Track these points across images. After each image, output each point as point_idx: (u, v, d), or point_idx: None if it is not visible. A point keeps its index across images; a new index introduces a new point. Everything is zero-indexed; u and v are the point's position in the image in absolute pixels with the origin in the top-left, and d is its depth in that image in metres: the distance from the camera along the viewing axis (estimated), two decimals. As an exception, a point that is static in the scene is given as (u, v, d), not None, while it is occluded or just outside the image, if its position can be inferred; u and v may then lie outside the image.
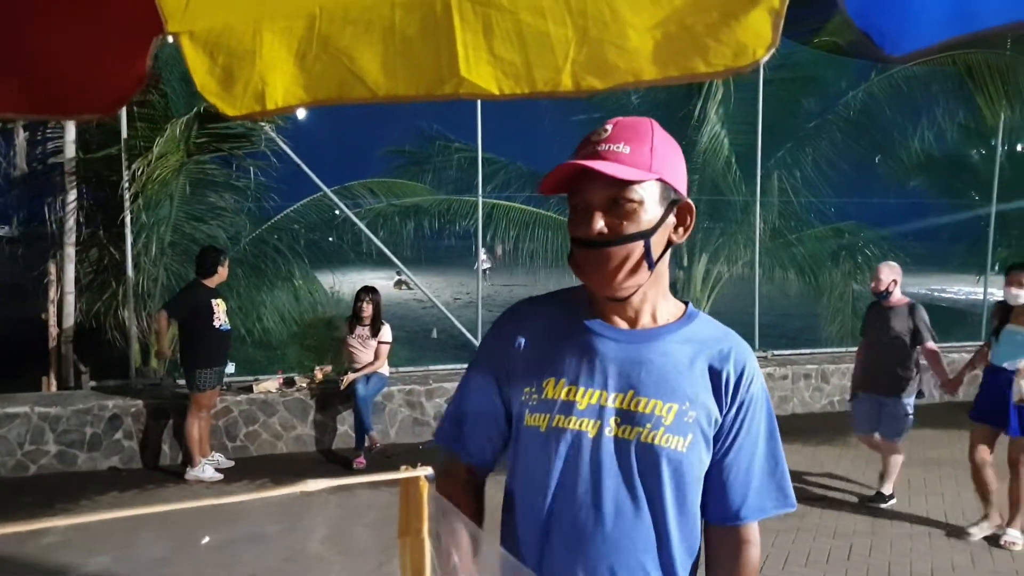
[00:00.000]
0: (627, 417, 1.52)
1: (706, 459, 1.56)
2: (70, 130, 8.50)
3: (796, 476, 1.59)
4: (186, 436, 7.18)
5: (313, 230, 11.09)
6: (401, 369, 9.06)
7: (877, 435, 6.52)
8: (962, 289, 17.56)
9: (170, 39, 2.10)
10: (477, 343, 8.95)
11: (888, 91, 11.67)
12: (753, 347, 1.68)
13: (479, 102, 8.14)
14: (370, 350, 7.83)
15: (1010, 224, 13.47)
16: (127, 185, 8.22)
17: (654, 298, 1.60)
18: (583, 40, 1.83)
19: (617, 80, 1.85)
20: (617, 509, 1.52)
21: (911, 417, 6.35)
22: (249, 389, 7.98)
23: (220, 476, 7.13)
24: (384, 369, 7.90)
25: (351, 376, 7.71)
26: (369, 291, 7.89)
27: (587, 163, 1.46)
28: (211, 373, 7.09)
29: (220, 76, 2.10)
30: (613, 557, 1.52)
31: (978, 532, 5.70)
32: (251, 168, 9.96)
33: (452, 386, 8.09)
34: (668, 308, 1.63)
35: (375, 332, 7.81)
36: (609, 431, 1.52)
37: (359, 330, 7.83)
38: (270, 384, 8.09)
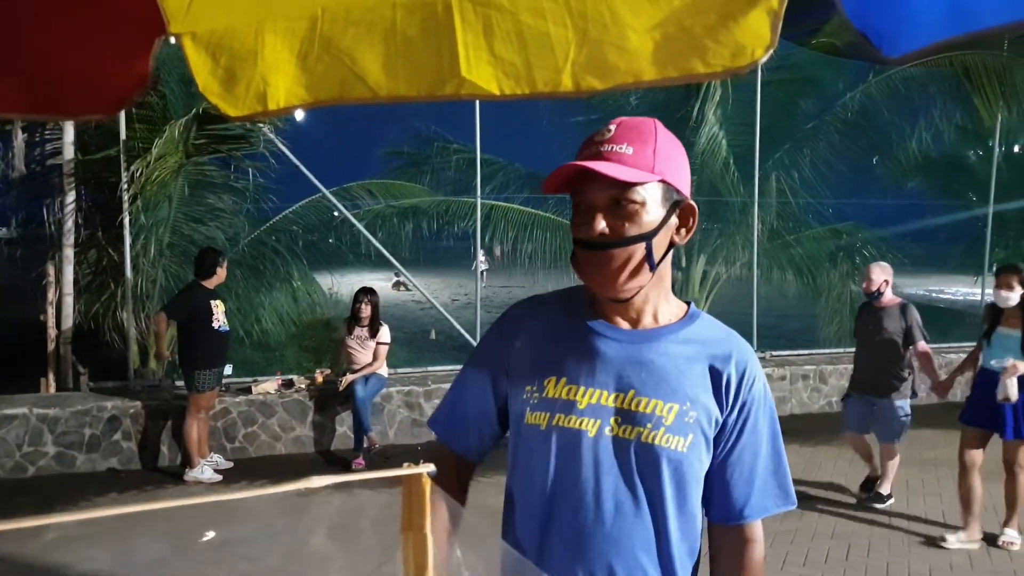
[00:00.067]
0: (627, 417, 1.53)
1: (706, 459, 1.56)
2: (69, 131, 8.50)
3: (794, 477, 1.62)
4: (185, 437, 7.18)
5: (311, 231, 11.10)
6: (400, 370, 9.07)
7: (868, 436, 6.53)
8: (960, 290, 17.57)
9: (172, 40, 2.10)
10: (476, 344, 8.97)
11: (886, 92, 11.69)
12: (751, 348, 1.69)
13: (477, 103, 8.15)
14: (369, 351, 7.83)
15: (1007, 225, 13.50)
16: (126, 186, 8.23)
17: (656, 299, 1.60)
18: (583, 41, 1.84)
19: (617, 81, 1.85)
20: (617, 508, 1.52)
21: (907, 418, 6.34)
22: (248, 390, 7.99)
23: (219, 477, 7.14)
24: (383, 370, 7.90)
25: (350, 377, 7.72)
26: (367, 292, 7.90)
27: (589, 164, 1.46)
28: (210, 374, 7.10)
29: (222, 77, 2.10)
30: (612, 555, 1.53)
31: (955, 542, 5.60)
32: (250, 169, 9.97)
33: (451, 387, 8.09)
34: (670, 309, 1.63)
35: (373, 333, 7.82)
36: (609, 430, 1.53)
37: (358, 331, 7.84)
38: (269, 385, 8.09)
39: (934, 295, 19.46)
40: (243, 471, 7.34)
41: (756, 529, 1.63)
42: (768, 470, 1.61)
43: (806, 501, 6.44)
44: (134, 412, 7.52)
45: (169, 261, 9.25)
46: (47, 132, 9.00)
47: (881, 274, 6.35)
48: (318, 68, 2.04)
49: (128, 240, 8.37)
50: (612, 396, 1.54)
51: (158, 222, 9.06)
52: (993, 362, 5.55)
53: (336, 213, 10.57)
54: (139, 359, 8.90)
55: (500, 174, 12.31)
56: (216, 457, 7.46)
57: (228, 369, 7.51)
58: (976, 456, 5.65)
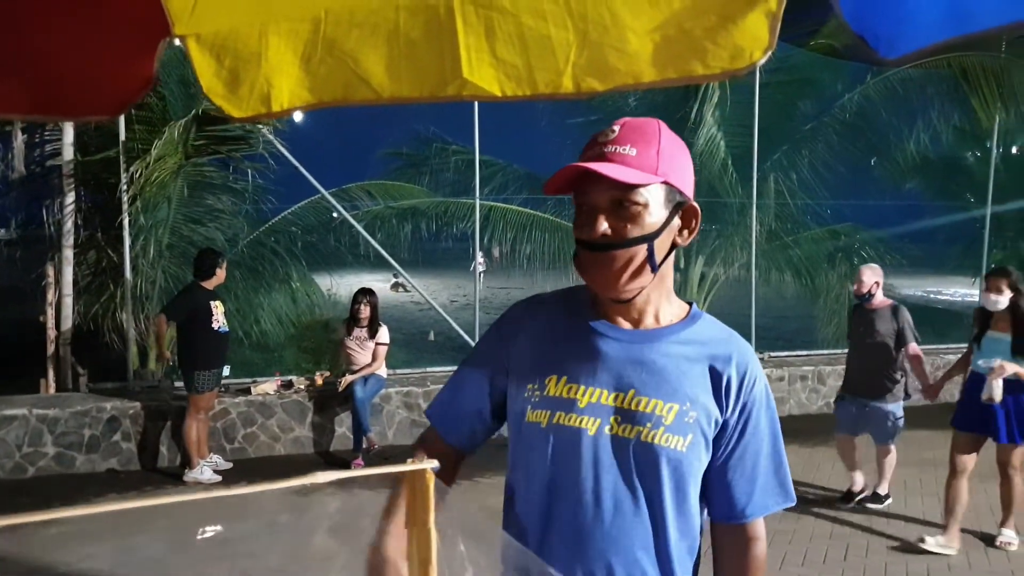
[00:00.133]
0: (627, 416, 1.54)
1: (705, 459, 1.58)
2: (68, 133, 8.51)
3: (793, 477, 1.63)
4: (184, 438, 7.19)
5: (310, 232, 11.10)
6: (399, 371, 9.08)
7: (859, 442, 6.51)
8: (958, 291, 17.57)
9: (176, 42, 2.12)
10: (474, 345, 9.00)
11: (884, 94, 11.70)
12: (752, 349, 1.71)
13: (476, 104, 8.16)
14: (368, 352, 7.84)
15: (1005, 226, 13.50)
16: (125, 187, 8.24)
17: (657, 299, 1.61)
18: (583, 43, 1.85)
19: (617, 82, 1.87)
20: (616, 506, 1.54)
21: (900, 420, 6.33)
22: (247, 391, 7.99)
23: (218, 478, 7.14)
24: (382, 371, 7.91)
25: (349, 378, 7.73)
26: (366, 293, 7.91)
27: (591, 166, 1.47)
28: (209, 375, 7.11)
29: (226, 78, 2.12)
30: (611, 554, 1.54)
31: (933, 544, 5.54)
32: (249, 170, 9.98)
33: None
34: (672, 309, 1.64)
35: (372, 334, 7.83)
36: (609, 429, 1.54)
37: (357, 332, 7.85)
38: (268, 386, 8.10)
39: (932, 296, 19.46)
40: (242, 472, 7.35)
41: (758, 527, 1.64)
42: (769, 470, 1.62)
43: (804, 502, 6.46)
44: (133, 413, 7.52)
45: (168, 262, 9.26)
46: (47, 133, 9.01)
47: (872, 276, 6.33)
48: (321, 70, 2.06)
49: (127, 241, 8.38)
50: (612, 395, 1.55)
51: (157, 223, 9.07)
52: (980, 362, 5.53)
53: (335, 214, 10.58)
54: (138, 360, 8.91)
55: (499, 175, 12.31)
56: (215, 458, 7.47)
57: (226, 370, 7.51)
58: (968, 461, 5.60)
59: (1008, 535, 5.69)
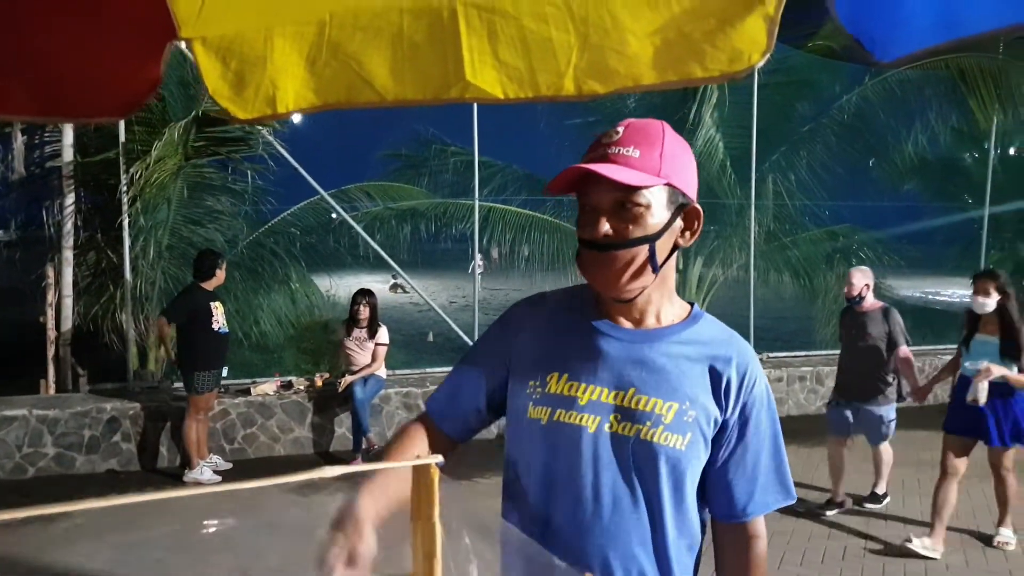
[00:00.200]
0: (627, 414, 1.56)
1: (704, 457, 1.59)
2: (68, 134, 8.53)
3: (792, 477, 1.66)
4: (184, 438, 7.21)
5: (310, 233, 11.11)
6: (398, 372, 9.09)
7: (849, 446, 6.50)
8: (956, 292, 17.58)
9: (183, 44, 2.14)
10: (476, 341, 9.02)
11: (882, 95, 11.73)
12: (752, 350, 1.73)
13: (475, 105, 8.18)
14: (367, 352, 7.86)
15: (1003, 227, 13.52)
16: (125, 189, 8.25)
17: (659, 299, 1.63)
18: (585, 46, 1.87)
19: (617, 84, 1.89)
20: (614, 503, 1.55)
21: (893, 423, 6.31)
22: (247, 392, 8.01)
23: (218, 479, 7.15)
24: (381, 371, 7.93)
25: (349, 379, 7.74)
26: (365, 294, 7.92)
27: (594, 167, 1.48)
28: (209, 376, 7.12)
29: (232, 80, 2.14)
30: (609, 549, 1.56)
31: (918, 545, 5.52)
32: (248, 172, 9.99)
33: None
34: (673, 310, 1.66)
35: (372, 334, 7.84)
36: (609, 427, 1.56)
37: (356, 332, 7.86)
38: (268, 387, 8.11)
39: (930, 297, 19.48)
40: (242, 472, 7.36)
41: (759, 525, 1.66)
42: (770, 469, 1.64)
43: (803, 502, 6.47)
44: (133, 413, 7.53)
45: (168, 263, 9.27)
46: (46, 134, 9.03)
47: (862, 279, 6.32)
48: (326, 72, 2.08)
49: (127, 242, 8.39)
50: (612, 394, 1.57)
51: (157, 224, 9.08)
52: (968, 364, 5.53)
53: (334, 215, 10.59)
54: (138, 361, 8.92)
55: (498, 176, 12.33)
56: (215, 458, 7.48)
57: (224, 371, 7.52)
58: (959, 464, 5.57)
59: (1005, 534, 5.71)
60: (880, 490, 6.56)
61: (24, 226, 9.65)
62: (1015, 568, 5.42)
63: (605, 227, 1.51)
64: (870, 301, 6.34)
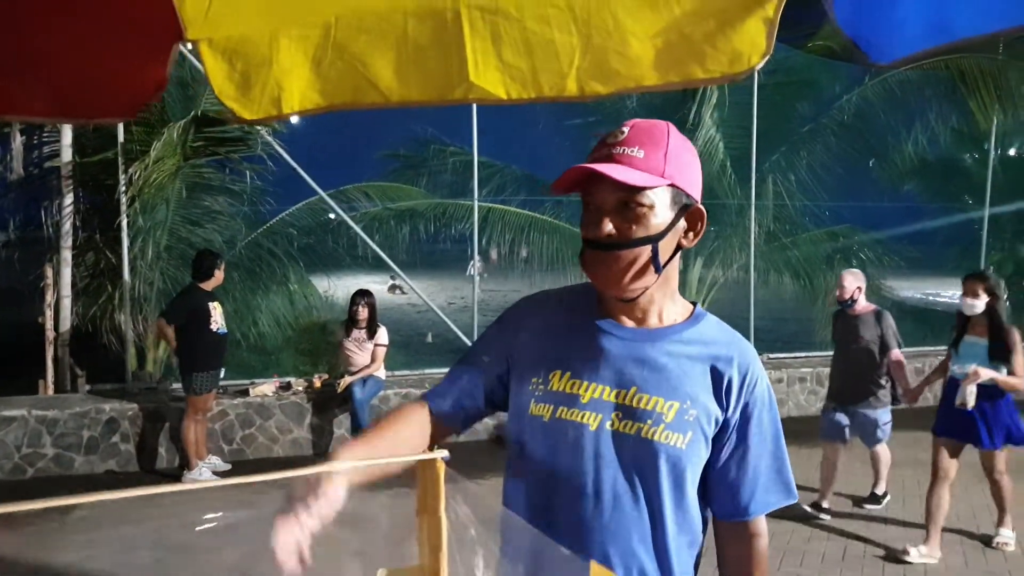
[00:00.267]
0: (628, 412, 1.56)
1: (704, 456, 1.60)
2: (67, 134, 8.52)
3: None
4: (183, 439, 7.20)
5: (308, 234, 11.11)
6: (397, 373, 9.09)
7: (843, 451, 6.46)
8: (956, 293, 17.61)
9: (189, 46, 2.15)
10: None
11: (882, 95, 11.74)
12: (754, 350, 1.75)
13: (474, 106, 8.18)
14: (366, 353, 7.85)
15: (1003, 227, 13.54)
16: (124, 189, 8.25)
17: (661, 299, 1.63)
18: (587, 47, 1.88)
19: (619, 85, 1.90)
20: (615, 500, 1.56)
21: (888, 426, 6.28)
22: (245, 392, 8.00)
23: (217, 479, 7.14)
24: (380, 372, 7.92)
25: (348, 379, 7.73)
26: (364, 295, 7.92)
27: (598, 167, 1.49)
28: (208, 376, 7.11)
29: (238, 81, 2.15)
30: (609, 545, 1.56)
31: (916, 555, 5.49)
32: (247, 172, 9.99)
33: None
34: (675, 309, 1.66)
35: (371, 335, 7.84)
36: (610, 425, 1.57)
37: (355, 333, 7.86)
38: (266, 387, 8.11)
39: (930, 298, 19.51)
40: (241, 473, 7.27)
41: (761, 523, 1.67)
42: (772, 468, 1.64)
43: (804, 502, 6.45)
44: (132, 414, 7.53)
45: (167, 264, 9.26)
46: (45, 135, 9.03)
47: (854, 281, 6.28)
48: (332, 73, 2.09)
49: (126, 243, 8.40)
50: (614, 392, 1.58)
51: (156, 225, 9.08)
52: (955, 368, 5.52)
53: (333, 216, 10.58)
54: (136, 361, 8.92)
55: (496, 177, 12.33)
56: (214, 459, 7.47)
57: (220, 372, 7.51)
58: (950, 468, 5.54)
59: (1005, 535, 5.71)
60: (880, 491, 6.56)
61: (23, 226, 9.64)
62: (1014, 568, 5.42)
63: (609, 227, 1.51)
64: (862, 304, 6.30)
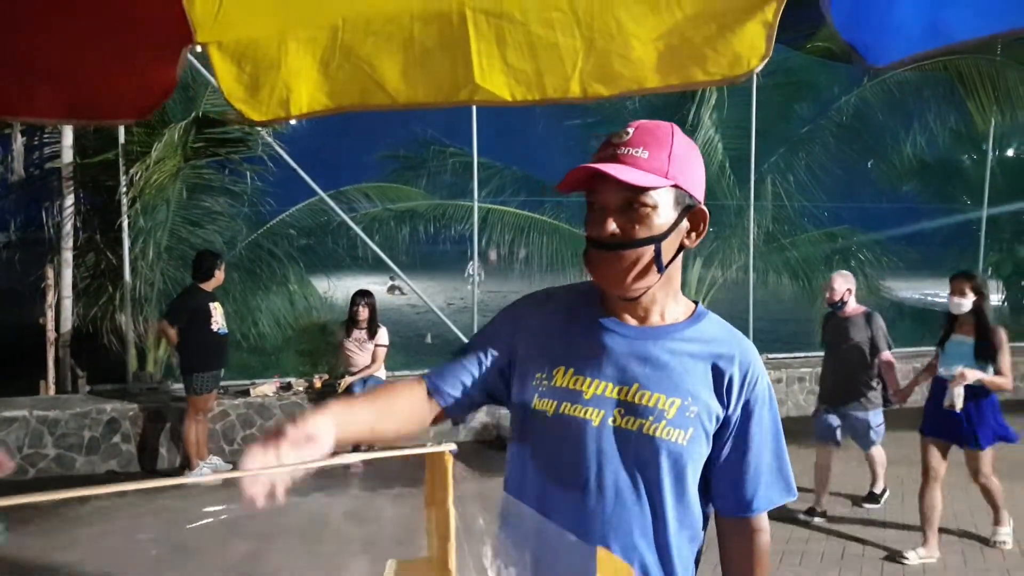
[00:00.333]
0: (630, 409, 1.59)
1: (705, 452, 1.62)
2: (67, 135, 8.53)
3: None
4: (184, 439, 7.22)
5: (308, 235, 11.11)
6: (396, 373, 9.09)
7: (839, 448, 6.43)
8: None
9: (199, 49, 2.17)
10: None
11: (880, 96, 11.76)
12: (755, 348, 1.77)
13: (474, 107, 8.20)
14: (367, 353, 7.87)
15: (1001, 228, 13.56)
16: (124, 190, 8.26)
17: (663, 298, 1.66)
18: (590, 50, 1.91)
19: (622, 87, 1.92)
20: (617, 494, 1.58)
21: (880, 427, 6.27)
22: (246, 393, 8.02)
23: (218, 480, 7.14)
24: (381, 373, 7.94)
25: (348, 379, 7.75)
26: (364, 295, 7.93)
27: (602, 167, 1.51)
28: (208, 377, 7.13)
29: (247, 83, 2.18)
30: (610, 539, 1.58)
31: (914, 558, 5.50)
32: (247, 173, 10.00)
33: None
34: (678, 308, 1.69)
35: (371, 335, 7.85)
36: (612, 421, 1.59)
37: (356, 333, 7.87)
38: (267, 388, 8.13)
39: (929, 298, 19.51)
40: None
41: (763, 520, 1.70)
42: (773, 465, 1.67)
43: (803, 501, 6.47)
44: (133, 414, 7.55)
45: (167, 264, 9.27)
46: (46, 136, 9.03)
47: (844, 283, 6.26)
48: (339, 76, 2.12)
49: (127, 243, 8.41)
50: (616, 388, 1.60)
51: (156, 225, 9.09)
52: (942, 370, 5.51)
53: (333, 216, 10.59)
54: (137, 362, 8.93)
55: (496, 178, 12.33)
56: (215, 459, 7.48)
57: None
58: (939, 468, 5.53)
59: (1002, 533, 5.71)
60: (877, 490, 6.58)
61: (23, 227, 9.64)
62: (1012, 567, 5.44)
63: (612, 226, 1.54)
64: (852, 306, 6.27)
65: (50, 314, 8.39)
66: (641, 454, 1.58)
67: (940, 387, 5.48)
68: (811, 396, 9.86)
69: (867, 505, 6.56)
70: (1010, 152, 14.29)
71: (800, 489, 5.51)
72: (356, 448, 7.60)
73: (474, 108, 8.66)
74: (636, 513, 1.59)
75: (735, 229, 11.69)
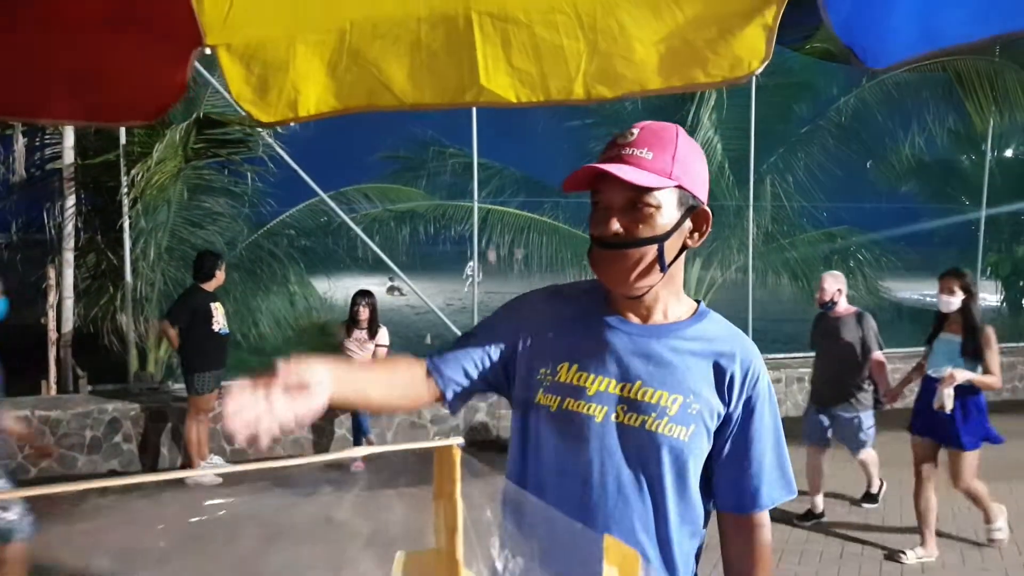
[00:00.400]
0: (633, 405, 1.61)
1: (706, 448, 1.64)
2: (68, 136, 8.55)
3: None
4: (185, 439, 7.24)
5: (308, 235, 11.13)
6: (397, 373, 9.09)
7: (827, 457, 6.42)
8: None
9: (208, 51, 2.20)
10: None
11: (879, 97, 11.78)
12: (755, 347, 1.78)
13: (474, 108, 8.22)
14: (367, 354, 7.88)
15: (1000, 228, 13.59)
16: (125, 191, 8.28)
17: (666, 297, 1.68)
18: (594, 52, 1.94)
19: (625, 89, 1.95)
20: (619, 490, 1.61)
21: (871, 430, 6.23)
22: (247, 393, 8.01)
23: (219, 480, 7.17)
24: (381, 372, 7.93)
25: (349, 380, 7.76)
26: (365, 295, 7.94)
27: (608, 167, 1.53)
28: (210, 376, 7.14)
29: (256, 85, 2.20)
30: (612, 533, 1.59)
31: (913, 557, 5.52)
32: (248, 173, 10.03)
33: (449, 389, 8.15)
34: (680, 307, 1.71)
35: (372, 335, 7.86)
36: (615, 417, 1.61)
37: (356, 334, 7.88)
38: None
39: (928, 299, 19.52)
40: (243, 473, 7.38)
41: (764, 516, 1.71)
42: (774, 463, 1.69)
43: (802, 500, 6.48)
44: (134, 414, 7.57)
45: (168, 265, 9.30)
46: (47, 136, 9.06)
47: (834, 283, 6.24)
48: (347, 78, 2.15)
49: (128, 244, 8.43)
50: (619, 385, 1.62)
51: (157, 226, 9.12)
52: (931, 371, 5.51)
53: (333, 217, 10.61)
54: (138, 362, 8.95)
55: (496, 178, 12.36)
56: (216, 459, 7.49)
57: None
58: (930, 467, 5.54)
59: (995, 529, 5.66)
60: (874, 489, 6.57)
61: (25, 228, 9.66)
62: (1010, 566, 5.46)
63: (616, 226, 1.56)
64: (843, 306, 6.25)
65: (51, 314, 8.40)
66: (643, 450, 1.60)
67: (928, 386, 5.47)
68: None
69: (866, 505, 6.57)
70: (1008, 152, 14.33)
71: (801, 491, 5.51)
72: (358, 442, 7.64)
73: (474, 109, 8.68)
74: (638, 508, 1.61)
75: (734, 230, 11.71)
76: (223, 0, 2.11)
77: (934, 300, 5.77)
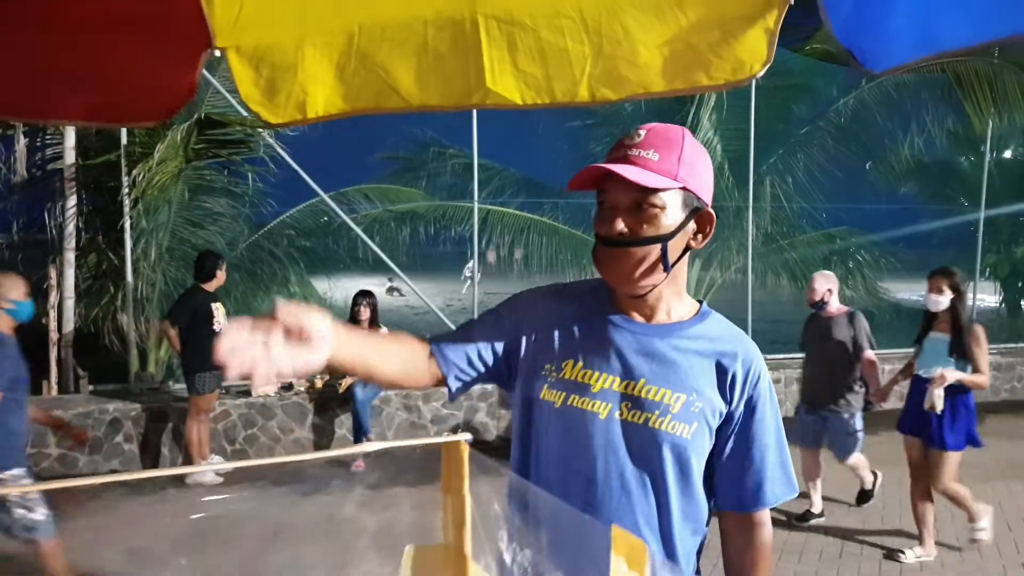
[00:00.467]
0: (637, 403, 1.63)
1: (708, 446, 1.67)
2: (69, 136, 8.56)
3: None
4: (186, 439, 7.25)
5: (309, 235, 11.14)
6: (397, 373, 9.11)
7: (822, 457, 6.40)
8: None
9: (217, 53, 2.22)
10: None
11: (878, 98, 11.81)
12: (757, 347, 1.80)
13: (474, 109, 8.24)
14: (368, 354, 7.88)
15: (999, 229, 13.61)
16: (126, 191, 8.30)
17: (669, 297, 1.71)
18: (598, 55, 1.96)
19: (629, 92, 1.97)
20: (622, 486, 1.63)
21: (860, 433, 6.19)
22: (247, 393, 8.04)
23: (220, 479, 7.19)
24: (382, 373, 7.95)
25: (349, 380, 7.78)
26: (366, 295, 7.96)
27: (614, 167, 1.56)
28: (210, 377, 7.15)
29: (264, 87, 2.23)
30: None
31: (911, 556, 5.53)
32: (249, 174, 10.04)
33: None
34: (683, 307, 1.74)
35: (373, 336, 7.87)
36: (619, 414, 1.64)
37: (357, 334, 7.89)
38: (268, 388, 8.15)
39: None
40: (244, 473, 7.40)
41: (765, 514, 1.74)
42: (776, 462, 1.71)
43: (802, 500, 6.50)
44: (135, 414, 7.58)
45: (169, 265, 9.32)
46: (48, 137, 9.06)
47: (824, 283, 6.25)
48: (355, 80, 2.17)
49: (128, 244, 8.45)
50: (623, 383, 1.65)
51: (158, 226, 9.14)
52: (921, 371, 5.50)
53: (333, 217, 10.63)
54: (139, 362, 8.96)
55: (495, 179, 12.39)
56: (217, 459, 7.51)
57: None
58: (922, 466, 5.54)
59: (979, 530, 5.61)
60: (867, 486, 6.55)
61: (26, 228, 9.67)
62: (1009, 565, 5.48)
63: (621, 225, 1.58)
64: (835, 306, 6.25)
65: (52, 314, 8.41)
66: (646, 447, 1.62)
67: (918, 385, 5.48)
68: (810, 397, 9.89)
69: (863, 504, 6.58)
70: (1007, 154, 14.36)
71: (824, 486, 5.48)
72: (359, 441, 7.65)
73: (474, 110, 8.70)
74: (641, 505, 1.63)
75: (734, 230, 11.73)
76: (233, 3, 2.14)
77: (931, 300, 5.74)
